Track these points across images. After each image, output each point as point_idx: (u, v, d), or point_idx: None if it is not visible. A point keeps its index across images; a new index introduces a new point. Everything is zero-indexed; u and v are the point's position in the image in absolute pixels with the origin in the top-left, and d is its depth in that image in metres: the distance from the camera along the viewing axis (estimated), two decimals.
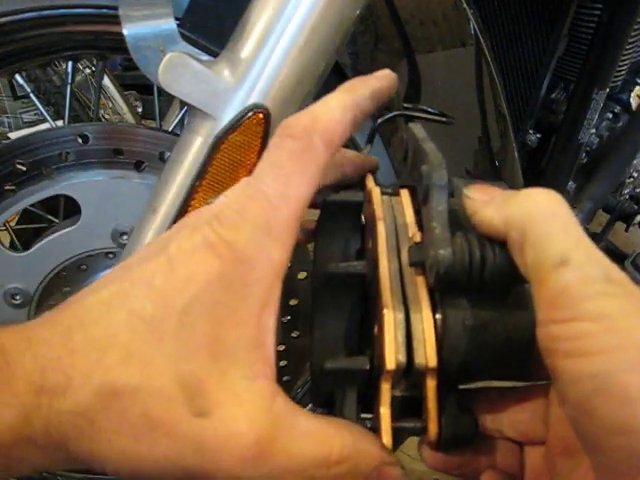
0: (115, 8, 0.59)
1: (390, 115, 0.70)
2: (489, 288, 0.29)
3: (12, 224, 0.84)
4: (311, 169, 0.28)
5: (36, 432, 0.25)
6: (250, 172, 0.63)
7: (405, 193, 0.35)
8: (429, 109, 0.70)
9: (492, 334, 0.29)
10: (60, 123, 0.81)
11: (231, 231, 0.27)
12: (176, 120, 0.88)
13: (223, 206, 0.28)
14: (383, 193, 0.35)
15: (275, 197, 0.27)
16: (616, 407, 0.22)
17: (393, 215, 0.34)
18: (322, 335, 0.33)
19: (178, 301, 0.26)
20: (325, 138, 0.29)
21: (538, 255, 0.25)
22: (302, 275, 0.82)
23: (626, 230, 1.11)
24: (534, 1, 0.87)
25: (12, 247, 0.81)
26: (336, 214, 0.34)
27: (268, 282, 0.27)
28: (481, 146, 0.78)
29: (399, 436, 0.30)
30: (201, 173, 0.59)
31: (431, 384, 0.29)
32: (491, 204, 0.28)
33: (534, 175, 0.99)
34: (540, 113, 0.97)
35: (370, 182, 0.36)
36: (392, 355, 0.28)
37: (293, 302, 0.83)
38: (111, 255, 0.79)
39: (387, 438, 0.30)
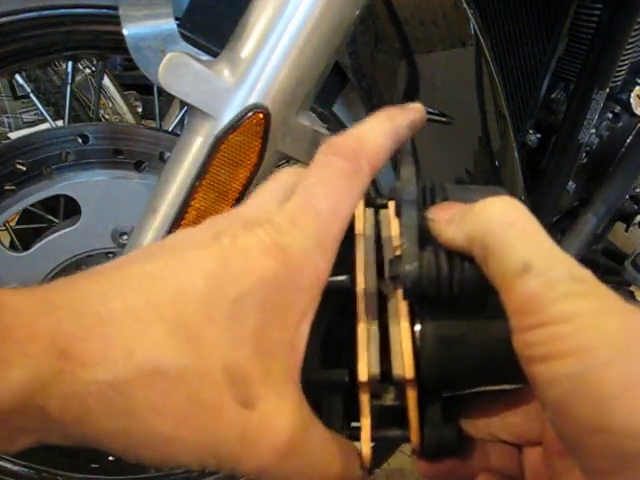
0: (115, 8, 0.59)
1: None
2: (464, 300, 0.29)
3: (12, 224, 0.84)
4: (358, 189, 0.29)
5: (51, 401, 0.23)
6: (250, 172, 0.63)
7: (391, 205, 0.36)
8: (429, 109, 0.70)
9: (468, 344, 0.29)
10: (60, 123, 0.81)
11: (286, 238, 0.27)
12: (176, 120, 0.88)
13: (275, 214, 0.28)
14: (370, 206, 0.36)
15: (327, 212, 0.28)
16: (591, 406, 0.22)
17: (378, 228, 0.34)
18: (311, 342, 0.33)
19: (232, 290, 0.26)
20: (371, 161, 0.30)
21: (500, 265, 0.25)
22: None
23: (626, 230, 1.10)
24: (534, 1, 0.87)
25: (12, 247, 0.81)
26: None
27: (313, 291, 0.28)
28: (481, 146, 0.78)
29: (387, 445, 0.31)
30: (201, 173, 0.59)
31: (411, 395, 0.30)
32: (452, 223, 0.29)
33: (534, 175, 0.99)
34: (540, 113, 0.97)
35: (359, 205, 0.36)
36: (364, 367, 0.29)
37: None
38: (111, 255, 0.79)
39: (366, 448, 0.31)
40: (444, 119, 0.70)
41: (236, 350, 0.26)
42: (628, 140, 1.00)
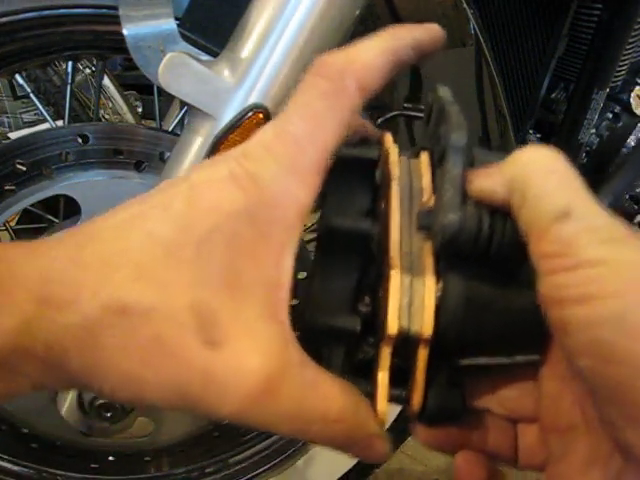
0: (115, 8, 0.59)
1: (390, 115, 0.70)
2: (498, 262, 0.27)
3: (12, 224, 0.84)
4: (341, 112, 0.27)
5: (37, 344, 0.24)
6: None
7: (425, 156, 0.33)
8: None
9: (495, 311, 0.28)
10: (60, 123, 0.81)
11: (257, 165, 0.26)
12: (176, 120, 0.88)
13: (250, 143, 0.27)
14: (401, 154, 0.33)
15: (302, 137, 0.27)
16: (638, 347, 0.21)
17: (410, 177, 0.32)
18: (318, 289, 0.32)
19: (198, 228, 0.25)
20: (360, 82, 0.28)
21: (536, 210, 0.24)
22: (302, 275, 0.82)
23: None
24: (534, 1, 0.87)
25: None
26: (348, 170, 0.32)
27: (290, 222, 0.27)
28: (481, 146, 0.78)
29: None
30: None
31: (422, 354, 0.28)
32: (491, 174, 0.27)
33: None
34: (540, 113, 0.97)
35: (388, 140, 0.33)
36: (395, 320, 0.27)
37: (293, 302, 0.83)
38: None
39: (382, 404, 0.28)
40: None
41: (204, 289, 0.25)
42: (630, 136, 1.00)
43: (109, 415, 0.75)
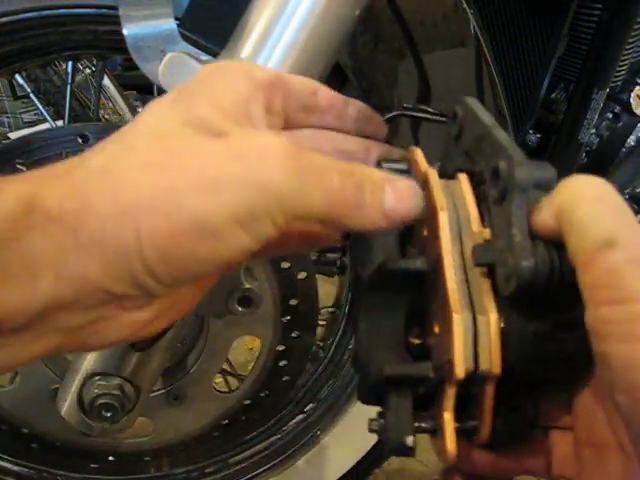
0: (115, 8, 0.59)
1: (390, 115, 0.70)
2: (560, 295, 0.27)
3: None
4: None
5: (46, 205, 0.26)
6: None
7: (464, 179, 0.32)
8: (429, 109, 0.70)
9: (559, 346, 0.28)
10: (60, 123, 0.81)
11: None
12: None
13: None
14: (440, 175, 0.33)
15: None
16: None
17: (453, 203, 0.31)
18: (371, 332, 0.32)
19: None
20: None
21: (582, 238, 0.24)
22: (302, 275, 0.82)
23: None
24: (534, 1, 0.87)
25: None
26: None
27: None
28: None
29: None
30: None
31: (490, 390, 0.28)
32: (543, 209, 0.27)
33: None
34: (540, 113, 0.97)
35: (422, 160, 0.33)
36: (461, 363, 0.27)
37: (293, 302, 0.83)
38: None
39: (451, 445, 0.29)
40: (444, 119, 0.70)
41: (194, 111, 0.30)
42: (630, 136, 1.00)
43: (109, 415, 0.75)
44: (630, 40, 0.87)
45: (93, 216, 0.26)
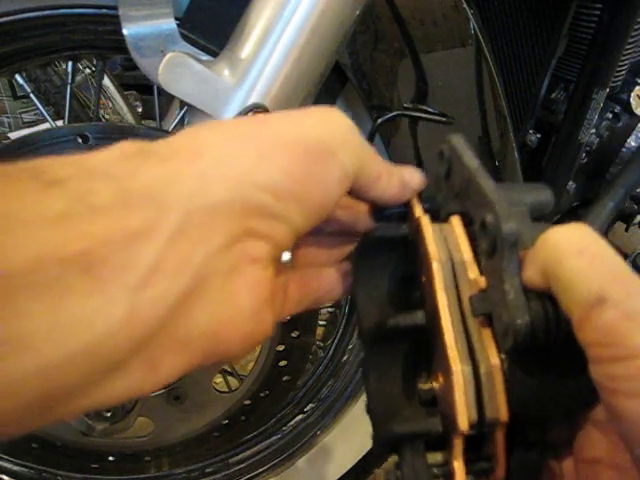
0: (115, 8, 0.59)
1: (390, 115, 0.70)
2: (562, 347, 0.27)
3: None
4: None
5: (157, 150, 0.27)
6: None
7: (457, 222, 0.32)
8: (429, 109, 0.70)
9: (562, 393, 0.28)
10: (60, 123, 0.81)
11: None
12: (176, 120, 0.88)
13: None
14: (432, 220, 0.33)
15: None
16: None
17: (447, 249, 0.32)
18: (380, 383, 0.32)
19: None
20: None
21: (572, 296, 0.24)
22: None
23: (626, 230, 1.10)
24: (534, 1, 0.87)
25: None
26: (378, 251, 0.33)
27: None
28: (481, 146, 0.78)
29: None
30: None
31: (500, 436, 0.29)
32: (528, 265, 0.27)
33: (534, 175, 0.99)
34: (540, 113, 0.97)
35: (417, 205, 0.34)
36: (464, 416, 0.28)
37: None
38: None
39: None
40: (444, 119, 0.70)
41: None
42: (630, 136, 1.00)
43: (109, 415, 0.75)
44: (630, 40, 0.87)
45: (208, 147, 0.27)
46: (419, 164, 0.77)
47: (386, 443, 0.32)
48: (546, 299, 0.26)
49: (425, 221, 0.32)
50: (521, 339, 0.26)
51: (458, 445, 0.29)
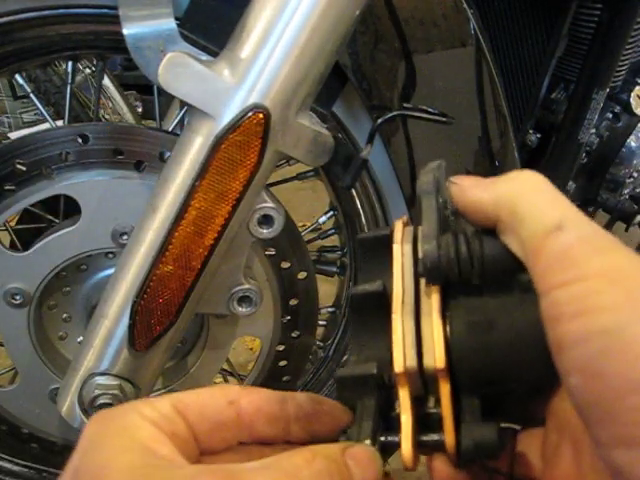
0: (115, 8, 0.59)
1: (390, 115, 0.70)
2: (490, 283, 0.28)
3: (12, 224, 0.84)
4: None
5: None
6: (250, 172, 0.63)
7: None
8: (429, 109, 0.70)
9: (500, 329, 0.28)
10: (60, 123, 0.81)
11: None
12: (176, 120, 0.88)
13: None
14: (407, 225, 0.35)
15: None
16: (629, 363, 0.21)
17: (415, 239, 0.33)
18: (352, 348, 0.33)
19: None
20: None
21: (530, 227, 0.25)
22: (302, 275, 0.82)
23: (626, 230, 1.10)
24: (534, 1, 0.87)
25: (12, 247, 0.81)
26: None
27: None
28: (481, 146, 0.78)
29: (419, 452, 0.29)
30: (201, 173, 0.59)
31: (444, 389, 0.28)
32: (479, 186, 0.28)
33: None
34: (540, 113, 0.97)
35: (399, 222, 0.36)
36: (400, 358, 0.29)
37: (293, 302, 0.83)
38: (111, 255, 0.79)
39: (406, 448, 0.28)
40: (444, 119, 0.70)
41: None
42: (630, 136, 1.00)
43: None
44: (630, 40, 0.87)
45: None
46: (419, 164, 0.77)
47: (341, 398, 0.32)
48: (460, 232, 0.29)
49: (397, 223, 0.34)
50: (430, 265, 0.28)
51: (404, 396, 0.29)
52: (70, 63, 0.81)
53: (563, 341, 0.23)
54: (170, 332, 0.66)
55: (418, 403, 0.30)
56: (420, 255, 0.29)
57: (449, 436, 0.28)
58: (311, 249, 0.89)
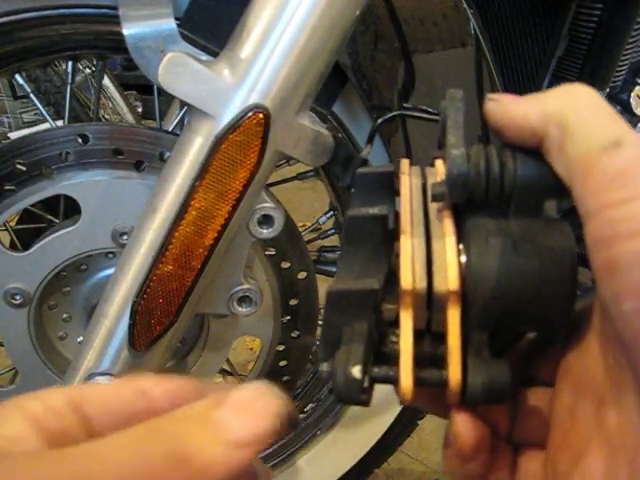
0: (115, 8, 0.59)
1: (390, 115, 0.70)
2: (517, 204, 0.26)
3: (12, 224, 0.84)
4: None
5: None
6: (250, 172, 0.63)
7: (439, 162, 0.32)
8: (429, 109, 0.70)
9: (522, 254, 0.25)
10: (60, 123, 0.81)
11: None
12: (176, 120, 0.88)
13: None
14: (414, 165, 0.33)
15: None
16: None
17: (424, 176, 0.31)
18: (342, 272, 0.30)
19: None
20: None
21: (583, 143, 0.23)
22: (302, 275, 0.82)
23: None
24: (534, 1, 0.87)
25: (12, 247, 0.81)
26: (369, 185, 0.31)
27: None
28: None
29: (417, 389, 0.26)
30: (201, 173, 0.59)
31: (453, 315, 0.25)
32: (522, 102, 0.26)
33: None
34: None
35: (405, 160, 0.33)
36: (408, 275, 0.25)
37: (293, 302, 0.83)
38: (111, 255, 0.79)
39: (405, 379, 0.25)
40: None
41: None
42: None
43: None
44: (630, 40, 0.87)
45: None
46: (419, 164, 0.77)
47: (330, 332, 0.28)
48: (491, 146, 0.26)
49: (404, 160, 0.32)
50: (456, 175, 0.25)
51: (406, 318, 0.26)
52: (70, 63, 0.81)
53: (618, 262, 0.21)
54: (170, 332, 0.66)
55: (418, 338, 0.26)
56: (446, 167, 0.25)
57: (454, 372, 0.25)
58: (311, 249, 0.89)
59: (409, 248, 0.26)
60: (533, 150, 0.26)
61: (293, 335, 0.85)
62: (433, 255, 0.26)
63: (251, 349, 1.58)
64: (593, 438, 0.25)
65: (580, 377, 0.27)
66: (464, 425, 0.27)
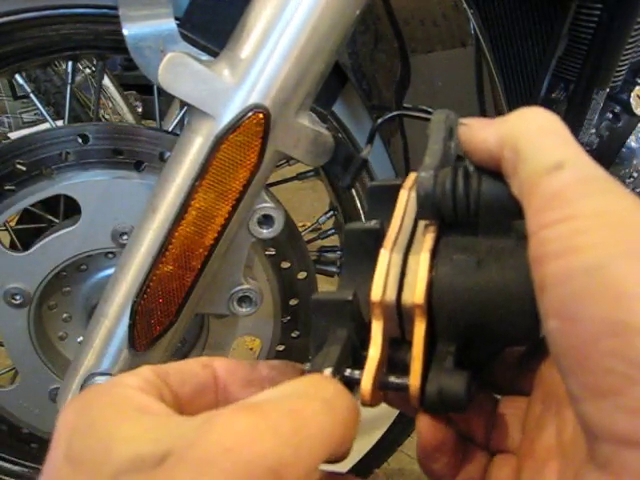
0: (115, 8, 0.59)
1: (390, 115, 0.70)
2: (486, 225, 0.27)
3: (12, 224, 0.84)
4: None
5: None
6: (250, 172, 0.63)
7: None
8: (429, 109, 0.70)
9: (487, 272, 0.27)
10: (60, 123, 0.81)
11: None
12: (176, 120, 0.88)
13: None
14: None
15: None
16: (608, 303, 0.19)
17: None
18: (344, 282, 0.32)
19: None
20: None
21: (529, 164, 0.24)
22: (302, 275, 0.82)
23: None
24: (534, 1, 0.87)
25: (12, 247, 0.81)
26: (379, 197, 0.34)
27: None
28: None
29: (383, 394, 0.29)
30: (201, 173, 0.59)
31: (419, 327, 0.27)
32: (486, 128, 0.27)
33: None
34: None
35: (414, 173, 0.35)
36: (379, 288, 0.28)
37: (293, 302, 0.83)
38: (111, 255, 0.79)
39: (366, 381, 0.27)
40: None
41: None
42: (630, 136, 1.00)
43: None
44: (630, 40, 0.87)
45: None
46: (418, 164, 0.77)
47: (316, 335, 0.31)
48: (460, 168, 0.28)
49: (410, 175, 0.34)
50: (424, 193, 0.27)
51: (376, 328, 0.28)
52: (70, 63, 0.81)
53: (545, 282, 0.22)
54: (170, 332, 0.66)
55: (393, 346, 0.29)
56: (415, 186, 0.28)
57: (414, 378, 0.27)
58: (311, 249, 0.89)
59: (385, 262, 0.29)
60: (498, 172, 0.27)
61: (293, 335, 0.85)
62: (408, 269, 0.28)
63: (251, 349, 1.58)
64: (553, 449, 0.26)
65: (550, 387, 0.28)
66: (425, 426, 0.28)
